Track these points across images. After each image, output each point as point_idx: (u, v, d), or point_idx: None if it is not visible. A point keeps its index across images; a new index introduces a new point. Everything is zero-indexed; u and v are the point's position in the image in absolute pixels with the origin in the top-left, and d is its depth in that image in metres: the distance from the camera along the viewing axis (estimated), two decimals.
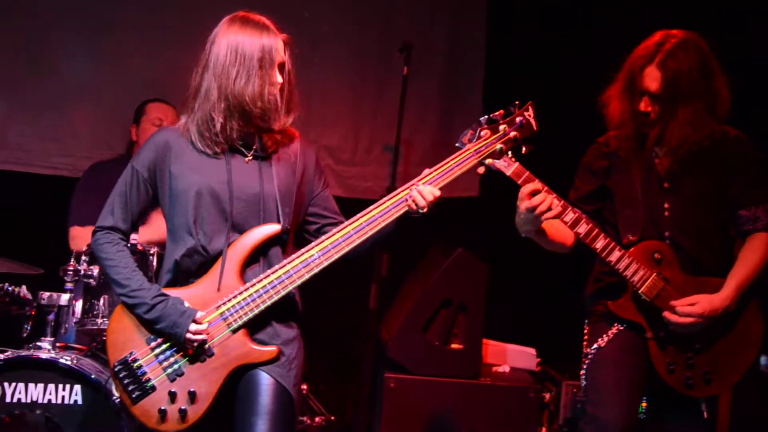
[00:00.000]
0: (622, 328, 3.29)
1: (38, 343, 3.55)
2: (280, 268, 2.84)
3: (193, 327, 2.80)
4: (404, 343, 4.29)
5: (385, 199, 2.91)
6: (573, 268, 4.63)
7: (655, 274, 3.20)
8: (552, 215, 3.03)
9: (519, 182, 3.04)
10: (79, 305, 3.68)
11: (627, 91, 3.27)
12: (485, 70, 5.33)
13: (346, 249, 2.87)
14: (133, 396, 2.84)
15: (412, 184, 2.89)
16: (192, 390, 2.83)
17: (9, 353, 3.48)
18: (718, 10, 4.69)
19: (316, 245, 2.86)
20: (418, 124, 4.67)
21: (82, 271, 3.65)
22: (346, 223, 2.91)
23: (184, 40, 4.92)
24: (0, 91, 4.78)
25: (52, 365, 3.43)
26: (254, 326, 2.87)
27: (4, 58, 4.79)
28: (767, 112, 4.16)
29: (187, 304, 2.83)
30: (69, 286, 3.64)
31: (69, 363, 3.43)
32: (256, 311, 2.83)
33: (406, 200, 2.87)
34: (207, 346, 2.82)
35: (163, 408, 2.82)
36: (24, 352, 3.50)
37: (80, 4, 4.87)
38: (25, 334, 3.87)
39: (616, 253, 3.18)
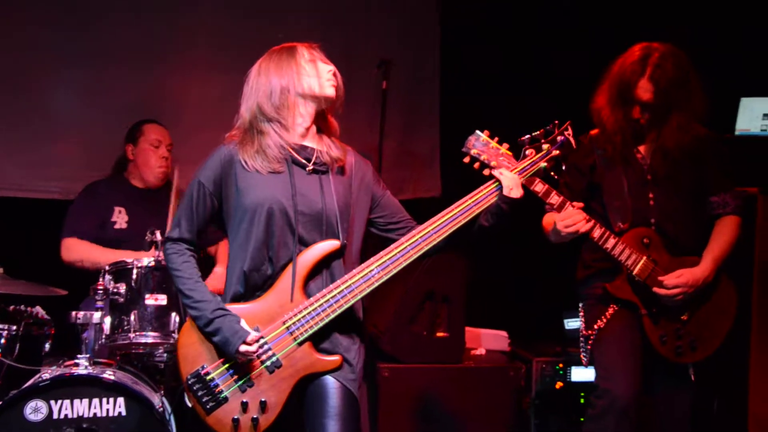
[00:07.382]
0: (617, 308, 3.42)
1: (76, 361, 3.44)
2: (342, 283, 2.85)
3: (242, 348, 2.77)
4: (395, 335, 4.36)
5: (453, 206, 2.96)
6: (535, 262, 4.88)
7: (645, 257, 3.36)
8: (584, 230, 3.22)
9: (546, 200, 3.16)
10: (107, 321, 3.57)
11: (620, 99, 3.42)
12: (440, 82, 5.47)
13: (404, 263, 2.90)
14: (208, 407, 2.83)
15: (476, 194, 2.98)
16: (263, 400, 2.83)
17: (50, 372, 3.37)
18: None
19: (375, 261, 2.88)
20: (386, 133, 4.79)
21: (111, 289, 3.56)
22: (408, 236, 2.93)
23: (165, 60, 4.89)
24: None
25: (95, 380, 3.33)
26: (318, 337, 2.87)
27: None
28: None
29: (243, 323, 2.80)
30: (99, 304, 3.53)
31: (112, 377, 3.35)
32: (321, 324, 2.83)
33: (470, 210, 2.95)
34: (276, 358, 2.82)
35: (236, 417, 2.82)
36: (64, 371, 3.39)
37: (65, 39, 4.78)
38: (43, 353, 3.79)
39: (611, 241, 3.32)
